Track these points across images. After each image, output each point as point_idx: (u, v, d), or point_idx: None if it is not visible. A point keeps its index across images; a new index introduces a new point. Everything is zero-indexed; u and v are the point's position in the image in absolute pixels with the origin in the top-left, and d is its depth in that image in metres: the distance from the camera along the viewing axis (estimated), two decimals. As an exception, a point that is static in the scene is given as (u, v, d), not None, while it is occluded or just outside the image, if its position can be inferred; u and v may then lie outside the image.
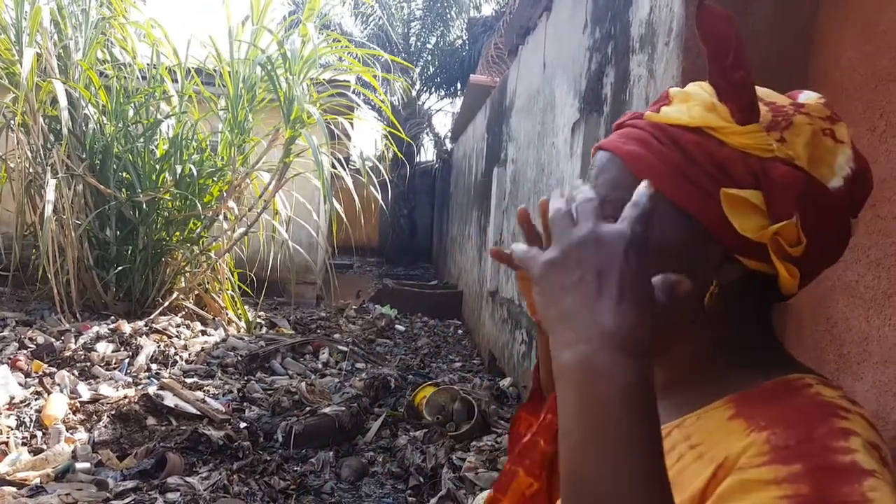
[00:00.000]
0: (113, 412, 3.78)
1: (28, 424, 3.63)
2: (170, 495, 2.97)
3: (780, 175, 0.63)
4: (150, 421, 3.79)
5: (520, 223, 0.77)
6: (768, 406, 0.63)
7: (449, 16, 16.94)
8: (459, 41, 17.08)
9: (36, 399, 3.94)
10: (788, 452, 0.55)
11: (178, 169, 6.51)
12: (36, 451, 3.40)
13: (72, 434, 3.57)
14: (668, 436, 0.69)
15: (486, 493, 3.26)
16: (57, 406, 3.74)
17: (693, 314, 0.68)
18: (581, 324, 0.52)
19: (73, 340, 5.06)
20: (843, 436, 0.56)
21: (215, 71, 6.71)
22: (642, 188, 0.58)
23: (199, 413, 3.94)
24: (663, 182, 0.66)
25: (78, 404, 3.89)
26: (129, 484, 3.07)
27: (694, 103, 0.68)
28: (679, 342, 0.70)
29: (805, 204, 0.63)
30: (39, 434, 3.58)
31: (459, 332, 8.17)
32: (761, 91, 0.69)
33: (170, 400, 3.92)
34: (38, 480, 3.05)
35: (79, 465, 3.20)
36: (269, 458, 3.72)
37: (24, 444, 3.47)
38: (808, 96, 0.70)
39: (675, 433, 0.69)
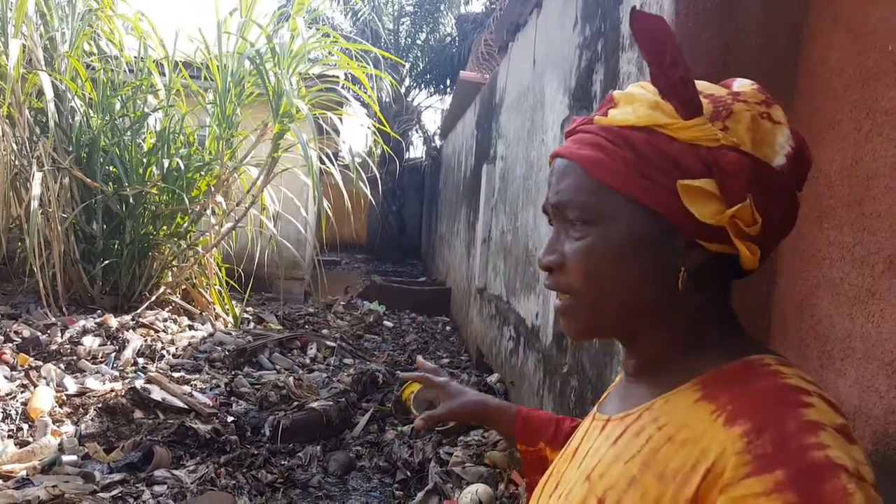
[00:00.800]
0: (100, 405, 3.76)
1: (14, 417, 3.61)
2: (157, 488, 2.97)
3: (730, 162, 0.68)
4: (137, 414, 3.77)
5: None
6: (731, 387, 0.67)
7: (439, 12, 16.93)
8: (449, 38, 17.08)
9: (22, 392, 3.91)
10: (768, 460, 0.59)
11: (166, 163, 6.49)
12: (22, 444, 3.39)
13: (58, 427, 3.55)
14: (638, 418, 0.73)
15: (473, 488, 3.28)
16: (43, 399, 3.72)
17: (664, 303, 0.74)
18: None
19: (59, 334, 5.03)
20: (812, 431, 0.60)
21: (203, 65, 6.67)
22: None
23: (186, 407, 3.93)
24: (621, 181, 0.71)
25: (64, 397, 3.87)
26: (117, 476, 3.06)
27: (639, 104, 0.73)
28: (652, 330, 0.76)
29: (755, 185, 0.68)
30: (25, 427, 3.56)
31: (447, 328, 8.19)
32: (700, 84, 0.73)
33: (157, 394, 3.91)
34: (24, 473, 3.04)
35: (65, 458, 3.19)
36: (256, 452, 3.71)
37: (9, 436, 3.45)
38: (741, 84, 0.74)
39: (646, 415, 0.73)
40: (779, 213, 0.71)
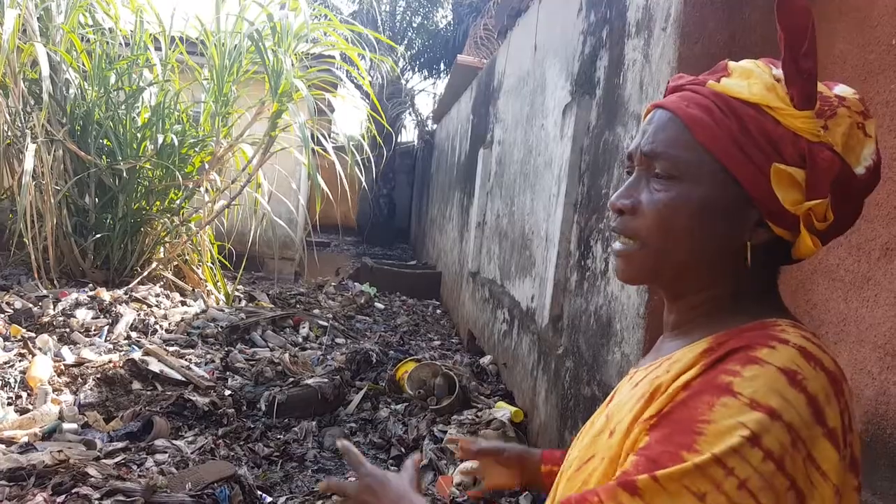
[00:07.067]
0: (98, 376, 3.78)
1: (13, 385, 3.62)
2: (158, 456, 3.00)
3: (824, 159, 0.72)
4: (136, 385, 3.80)
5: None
6: (734, 338, 0.73)
7: (435, -5, 16.86)
8: (444, 21, 17.03)
9: (20, 361, 3.92)
10: (698, 371, 0.70)
11: (160, 138, 6.46)
12: (22, 411, 3.40)
13: (57, 396, 3.57)
14: (660, 366, 0.80)
15: (468, 464, 3.35)
16: (42, 368, 3.73)
17: (718, 269, 0.79)
18: None
19: (51, 306, 5.02)
20: (744, 362, 0.67)
21: (199, 41, 6.64)
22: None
23: (184, 379, 3.96)
24: (720, 148, 0.75)
25: (62, 367, 3.88)
26: (118, 445, 3.09)
27: (754, 81, 0.76)
28: (698, 291, 0.81)
29: (836, 186, 0.73)
30: (24, 395, 3.58)
31: (438, 311, 8.24)
32: None
33: (155, 366, 3.93)
34: (25, 439, 3.06)
35: (65, 426, 3.21)
36: (252, 426, 3.75)
37: (9, 403, 3.46)
38: (844, 90, 0.78)
39: (665, 364, 0.79)
40: (845, 215, 0.76)
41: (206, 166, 6.67)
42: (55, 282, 5.77)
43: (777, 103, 0.73)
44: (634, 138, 0.84)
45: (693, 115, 0.77)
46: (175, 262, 6.85)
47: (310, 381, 4.27)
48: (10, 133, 5.96)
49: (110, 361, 3.98)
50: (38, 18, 5.99)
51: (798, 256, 0.78)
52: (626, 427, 0.74)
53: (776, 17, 0.73)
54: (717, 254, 0.78)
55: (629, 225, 0.81)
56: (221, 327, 5.41)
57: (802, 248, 0.76)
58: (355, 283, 8.71)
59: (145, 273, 6.32)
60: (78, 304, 5.19)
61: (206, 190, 6.85)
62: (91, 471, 2.65)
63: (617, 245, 0.84)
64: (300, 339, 5.74)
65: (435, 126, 14.04)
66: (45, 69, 5.43)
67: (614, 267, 0.87)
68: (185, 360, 4.47)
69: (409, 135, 17.85)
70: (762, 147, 0.73)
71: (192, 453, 3.10)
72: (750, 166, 0.74)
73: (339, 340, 5.91)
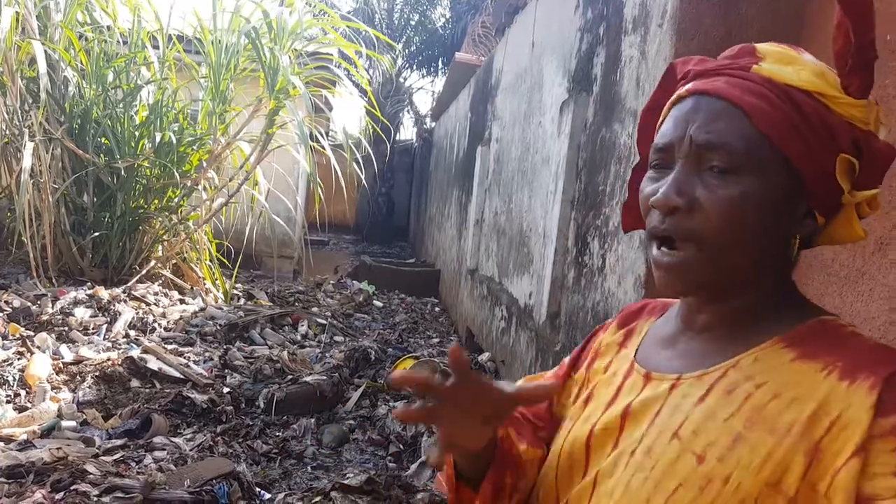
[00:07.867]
0: (97, 374, 3.79)
1: (11, 383, 3.63)
2: (157, 454, 3.01)
3: (880, 148, 0.71)
4: (134, 383, 3.81)
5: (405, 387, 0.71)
6: (826, 347, 0.70)
7: (433, -7, 16.86)
8: (442, 19, 17.04)
9: (18, 359, 3.92)
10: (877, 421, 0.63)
11: (158, 136, 6.45)
12: (20, 409, 3.41)
13: (56, 394, 3.58)
14: (724, 375, 0.74)
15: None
16: (40, 366, 3.74)
17: (767, 263, 0.76)
18: None
19: (49, 305, 5.02)
20: None
21: (196, 39, 6.63)
22: None
23: (182, 377, 3.97)
24: (784, 138, 0.71)
25: (61, 365, 3.88)
26: (117, 442, 3.10)
27: (801, 66, 0.73)
28: (744, 287, 0.77)
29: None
30: (23, 393, 3.58)
31: (436, 309, 8.25)
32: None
33: (153, 363, 3.94)
34: (24, 436, 3.07)
35: (64, 423, 3.22)
36: (251, 423, 3.76)
37: (7, 401, 3.47)
38: None
39: (733, 373, 0.74)
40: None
41: (204, 164, 6.67)
42: (54, 280, 5.77)
43: (831, 91, 0.71)
44: (668, 128, 0.78)
45: (753, 104, 0.72)
46: (173, 261, 6.85)
47: (308, 379, 4.28)
48: (8, 131, 5.95)
49: (109, 359, 3.99)
50: (36, 16, 5.98)
51: (836, 243, 0.77)
52: (727, 455, 0.68)
53: (840, 6, 0.70)
54: (769, 250, 0.74)
55: (685, 225, 0.74)
56: (220, 325, 5.41)
57: (847, 235, 0.75)
58: (354, 282, 8.73)
59: (144, 271, 6.32)
60: (76, 303, 5.19)
61: (204, 188, 6.85)
62: (90, 468, 2.66)
63: (665, 258, 0.76)
64: (299, 337, 5.75)
65: (433, 124, 14.04)
66: (42, 67, 5.42)
67: (659, 281, 0.77)
68: (184, 357, 4.47)
69: (407, 133, 17.87)
70: (821, 136, 0.71)
71: (190, 450, 3.11)
72: (811, 156, 0.71)
73: (337, 338, 5.92)
